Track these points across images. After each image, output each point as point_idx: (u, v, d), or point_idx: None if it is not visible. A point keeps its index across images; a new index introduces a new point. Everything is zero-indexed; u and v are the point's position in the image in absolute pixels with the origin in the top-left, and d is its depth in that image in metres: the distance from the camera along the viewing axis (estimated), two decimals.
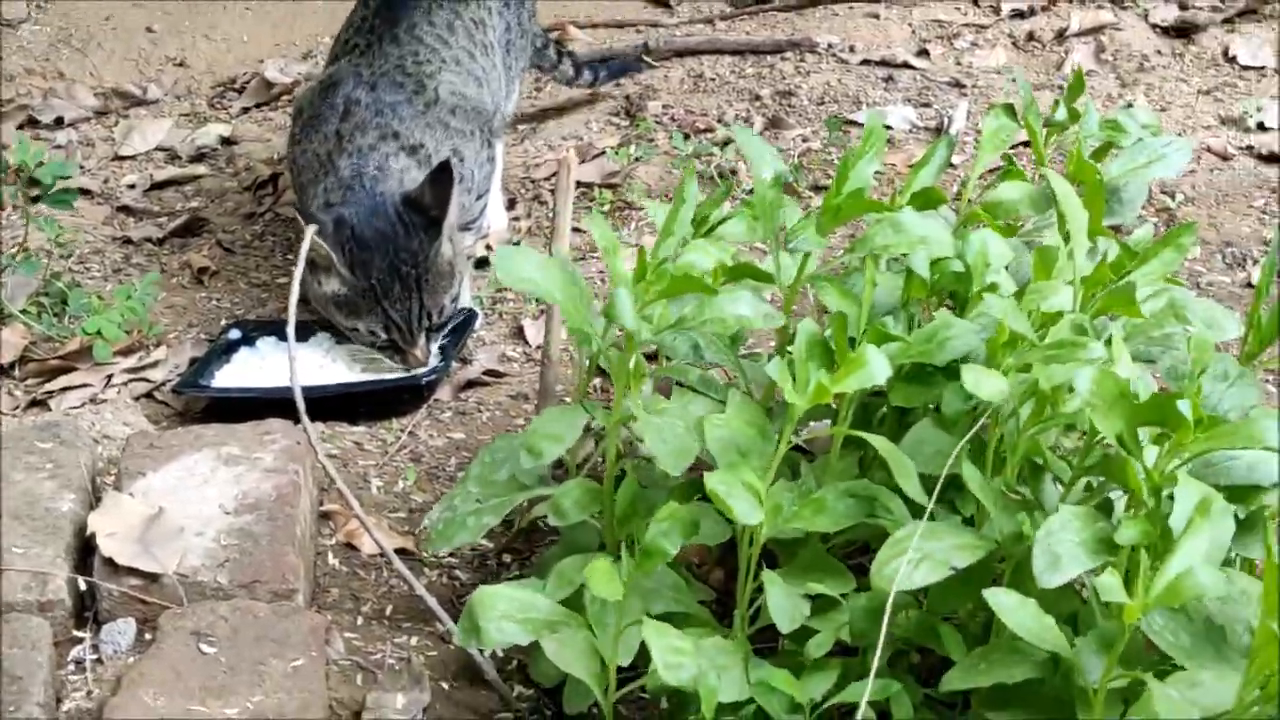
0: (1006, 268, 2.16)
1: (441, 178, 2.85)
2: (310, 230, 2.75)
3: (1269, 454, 1.78)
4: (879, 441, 1.91)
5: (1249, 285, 3.18)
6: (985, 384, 1.84)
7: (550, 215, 3.50)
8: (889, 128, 3.85)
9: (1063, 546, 1.72)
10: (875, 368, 1.89)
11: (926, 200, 2.27)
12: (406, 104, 3.07)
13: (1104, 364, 1.80)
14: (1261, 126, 3.79)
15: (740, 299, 2.01)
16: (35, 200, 3.05)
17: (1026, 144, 2.62)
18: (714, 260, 2.07)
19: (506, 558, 2.48)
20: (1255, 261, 3.26)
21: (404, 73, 3.13)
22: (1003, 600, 1.74)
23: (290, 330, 2.42)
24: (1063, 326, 1.98)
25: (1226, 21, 4.32)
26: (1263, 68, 4.10)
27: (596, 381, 2.84)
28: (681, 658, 1.80)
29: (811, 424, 2.32)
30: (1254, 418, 1.77)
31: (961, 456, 1.89)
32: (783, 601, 1.88)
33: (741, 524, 1.89)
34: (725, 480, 1.87)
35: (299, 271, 2.61)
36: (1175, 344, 2.07)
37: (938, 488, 1.90)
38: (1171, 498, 1.70)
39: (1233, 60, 4.15)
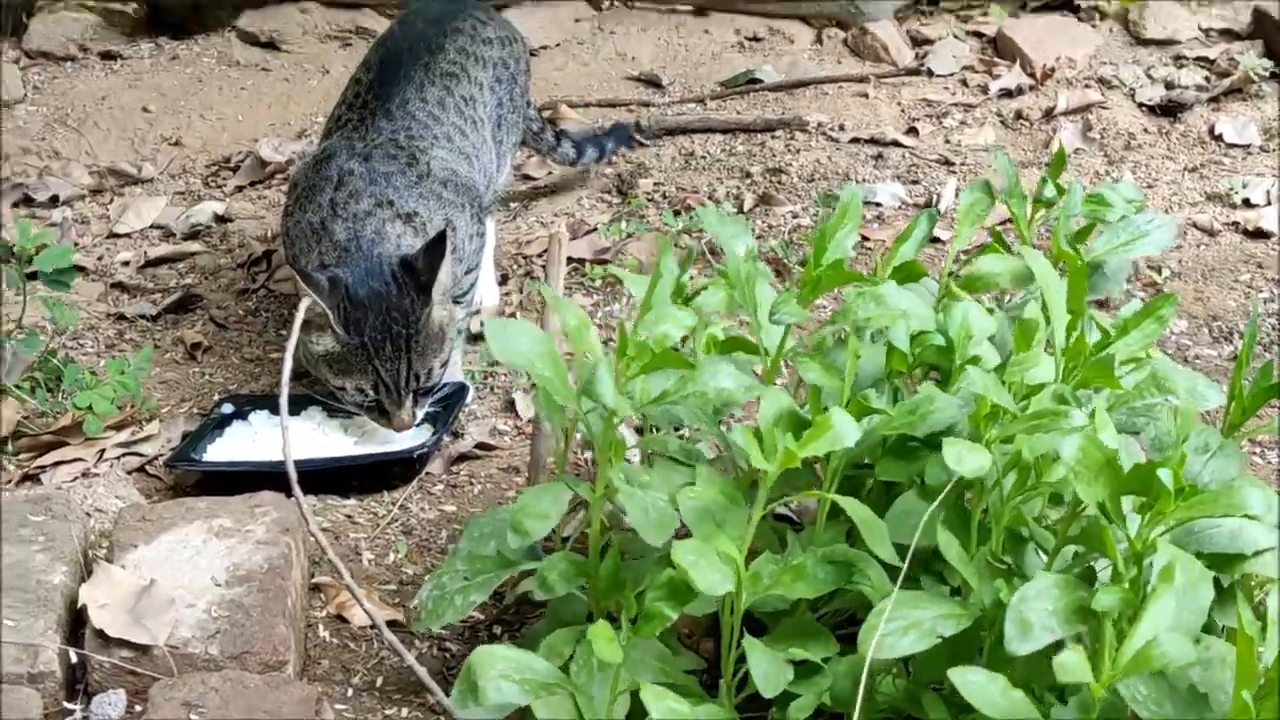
0: (992, 339, 2.19)
1: (437, 244, 2.88)
2: (308, 296, 2.77)
3: (1251, 522, 1.79)
4: (852, 506, 1.93)
5: (1235, 358, 3.20)
6: (967, 459, 1.86)
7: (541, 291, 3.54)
8: (879, 204, 3.90)
9: (1035, 614, 1.73)
10: (843, 430, 1.91)
11: (908, 274, 2.30)
12: (400, 174, 3.10)
13: (1088, 433, 1.82)
14: (1247, 203, 3.83)
15: (721, 372, 2.03)
16: (33, 277, 3.07)
17: (1009, 221, 2.65)
18: (684, 329, 2.09)
19: (497, 629, 2.49)
20: (1241, 335, 3.29)
21: (397, 145, 3.16)
22: (970, 678, 1.74)
23: (283, 401, 2.43)
24: (1044, 397, 2.01)
25: (1212, 101, 4.37)
26: (1248, 145, 4.15)
27: (587, 454, 2.86)
28: None
29: (800, 496, 2.33)
30: (1236, 486, 1.79)
31: (936, 525, 1.90)
32: (765, 666, 1.90)
33: (710, 594, 1.90)
34: (696, 550, 1.89)
35: (293, 342, 2.63)
36: (1158, 415, 2.09)
37: (909, 556, 1.91)
38: (1152, 566, 1.72)
39: (1218, 138, 4.20)
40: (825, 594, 1.96)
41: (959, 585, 2.01)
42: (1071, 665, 1.64)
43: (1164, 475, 1.73)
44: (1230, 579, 1.86)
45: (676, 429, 2.33)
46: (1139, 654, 1.62)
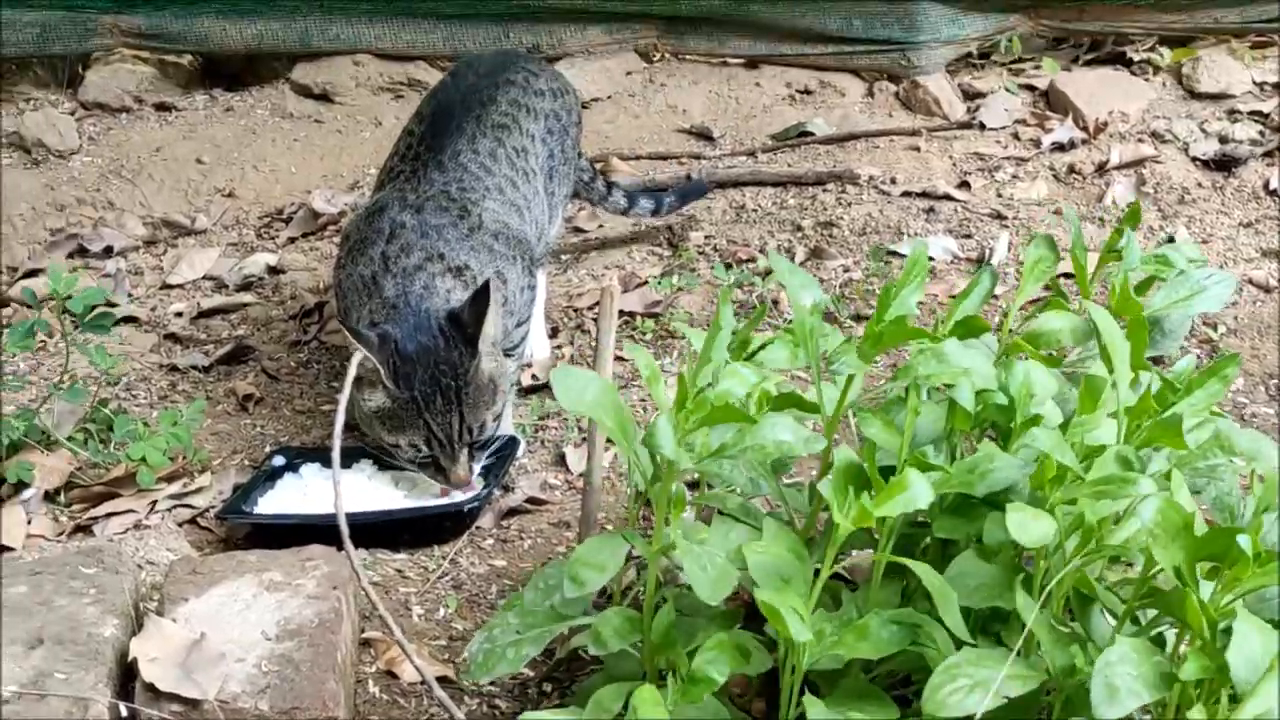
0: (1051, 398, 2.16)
1: (480, 296, 2.88)
2: (359, 351, 2.77)
3: None
4: (923, 570, 1.90)
5: None
6: (1031, 527, 1.84)
7: (592, 344, 3.53)
8: (931, 258, 3.87)
9: (1121, 679, 1.71)
10: (917, 491, 1.89)
11: (969, 329, 2.27)
12: (451, 227, 3.10)
13: (1166, 495, 1.79)
14: None
15: (781, 425, 2.01)
16: (79, 327, 3.08)
17: (1067, 275, 2.62)
18: (749, 386, 2.07)
19: (547, 686, 2.46)
20: None
21: (449, 198, 3.17)
22: None
23: (335, 455, 2.42)
24: (1107, 459, 1.98)
25: (1266, 155, 4.34)
26: None
27: (641, 509, 2.85)
28: None
29: (853, 553, 2.31)
30: None
31: (1015, 587, 1.88)
32: None
33: (789, 645, 1.88)
34: (776, 598, 1.86)
35: (345, 395, 2.62)
36: (1221, 475, 2.06)
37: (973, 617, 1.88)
38: (1227, 632, 1.68)
39: (1273, 193, 4.17)
40: (880, 656, 1.94)
41: (1016, 647, 1.98)
42: None
43: (1242, 541, 1.70)
44: None
45: (733, 485, 2.31)
46: None
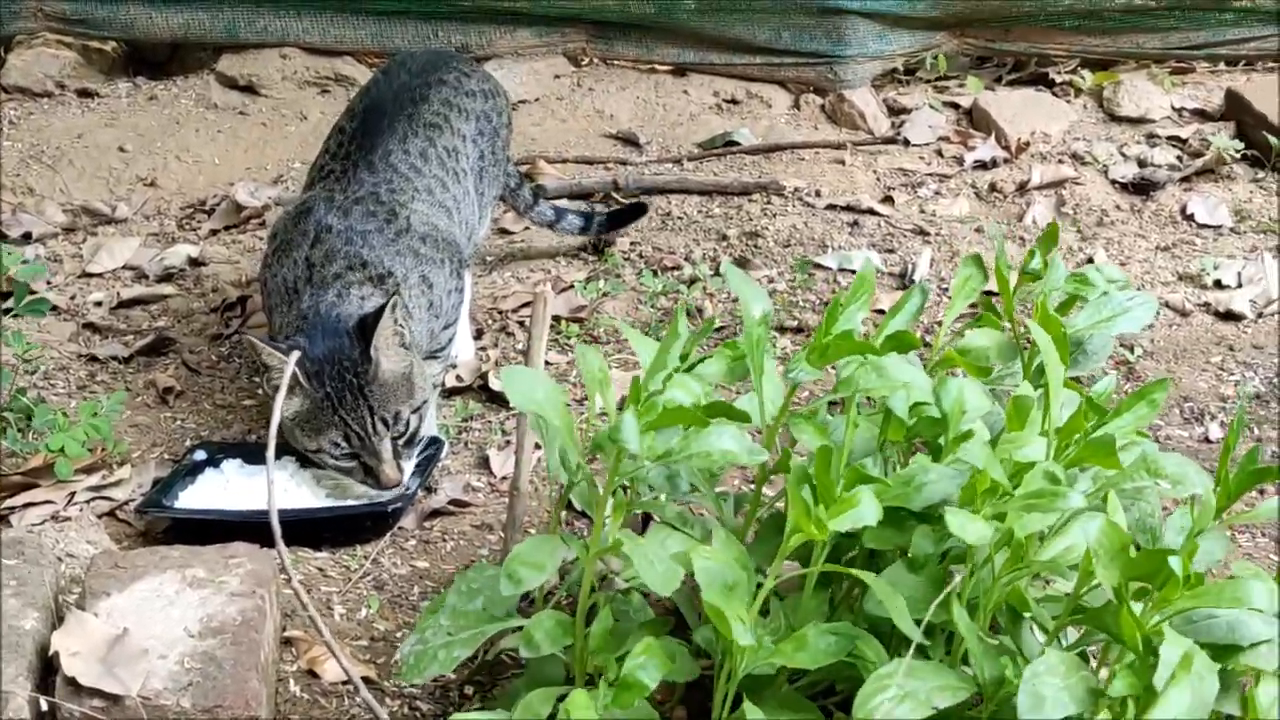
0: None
1: (380, 308, 2.86)
2: (293, 357, 2.75)
3: (1249, 614, 1.79)
4: (869, 577, 1.92)
5: (1207, 440, 3.23)
6: (970, 528, 1.86)
7: (517, 347, 3.53)
8: (854, 272, 3.90)
9: (1048, 689, 1.73)
10: (865, 510, 1.91)
11: (899, 344, 2.29)
12: (378, 233, 3.09)
13: (1105, 517, 1.81)
14: (1219, 284, 3.86)
15: (726, 434, 2.02)
16: (8, 313, 3.04)
17: (989, 293, 2.65)
18: (694, 396, 2.09)
19: (469, 689, 2.46)
20: (1213, 417, 3.30)
21: (378, 200, 3.15)
22: None
23: (270, 454, 2.40)
24: (1035, 476, 2.00)
25: (1184, 180, 4.41)
26: (1219, 226, 4.18)
27: (565, 515, 2.84)
28: None
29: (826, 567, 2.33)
30: (1241, 578, 1.79)
31: (950, 600, 1.90)
32: None
33: (728, 651, 1.89)
34: (721, 604, 1.88)
35: (282, 393, 2.61)
36: (1146, 497, 2.09)
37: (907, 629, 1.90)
38: (1155, 653, 1.71)
39: (1190, 218, 4.23)
40: (816, 666, 1.95)
41: (941, 659, 2.00)
42: None
43: (1174, 563, 1.73)
44: (1224, 669, 1.85)
45: (673, 492, 2.32)
46: None
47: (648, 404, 2.01)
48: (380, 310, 2.85)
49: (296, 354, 2.77)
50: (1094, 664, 1.95)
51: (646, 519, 2.38)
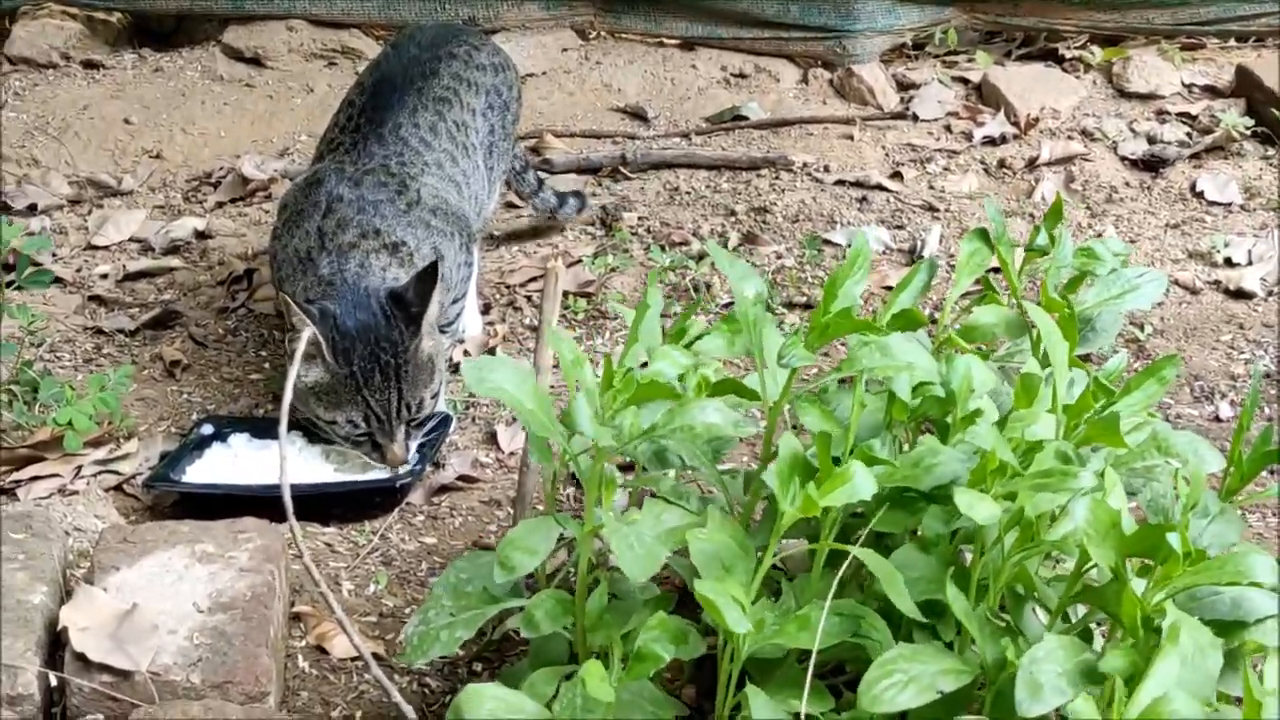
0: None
1: (427, 275, 2.87)
2: (308, 328, 2.75)
3: (1253, 590, 1.79)
4: (869, 556, 1.91)
5: (1217, 419, 3.21)
6: (979, 508, 1.85)
7: (525, 322, 3.52)
8: None
9: (1045, 676, 1.73)
10: (860, 484, 1.90)
11: (906, 322, 2.28)
12: (389, 203, 3.08)
13: (1097, 495, 1.81)
14: (1229, 262, 3.84)
15: (709, 407, 2.01)
16: (10, 285, 3.03)
17: (994, 270, 2.64)
18: (681, 368, 2.07)
19: (477, 666, 2.46)
20: (1223, 395, 3.29)
21: (388, 172, 3.15)
22: None
23: (283, 429, 2.38)
24: (1047, 455, 1.99)
25: (1194, 157, 4.40)
26: (1229, 203, 4.17)
27: (572, 491, 2.84)
28: None
29: (788, 543, 2.32)
30: (1242, 553, 1.78)
31: (946, 581, 1.89)
32: (766, 716, 1.88)
33: (729, 634, 1.89)
34: (714, 589, 1.87)
35: (294, 368, 2.61)
36: (1157, 476, 2.09)
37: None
38: (1158, 630, 1.71)
39: (1200, 195, 4.21)
40: (821, 648, 1.94)
41: (951, 641, 2.00)
42: (1082, 709, 1.63)
43: (1172, 539, 1.72)
44: (1230, 646, 1.85)
45: (667, 469, 2.31)
46: (1146, 711, 1.61)
47: (625, 380, 1.99)
48: (429, 286, 2.84)
49: (310, 330, 2.76)
50: (1103, 644, 1.94)
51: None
